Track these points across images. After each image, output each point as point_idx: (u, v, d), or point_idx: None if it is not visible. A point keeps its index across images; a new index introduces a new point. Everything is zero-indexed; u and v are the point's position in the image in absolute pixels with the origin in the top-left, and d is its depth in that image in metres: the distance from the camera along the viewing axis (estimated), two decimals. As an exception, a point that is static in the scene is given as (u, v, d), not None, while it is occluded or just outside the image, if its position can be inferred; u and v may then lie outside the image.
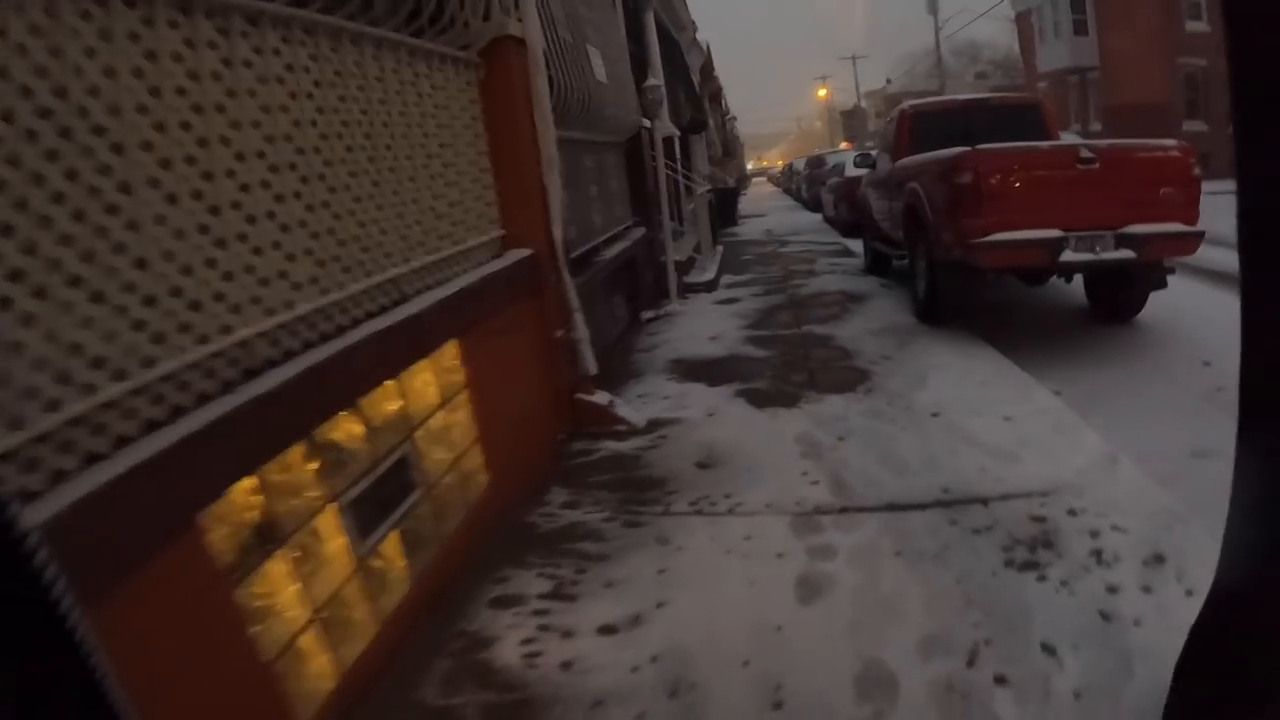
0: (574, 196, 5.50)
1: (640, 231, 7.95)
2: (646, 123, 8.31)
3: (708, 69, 21.82)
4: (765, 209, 26.85)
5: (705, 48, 21.10)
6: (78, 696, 0.51)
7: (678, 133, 12.12)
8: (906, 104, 8.41)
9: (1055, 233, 5.61)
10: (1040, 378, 5.07)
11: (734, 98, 50.71)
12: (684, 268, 9.21)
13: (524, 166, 4.28)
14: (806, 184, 24.93)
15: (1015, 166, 5.67)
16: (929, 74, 72.00)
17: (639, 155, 8.20)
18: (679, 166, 11.78)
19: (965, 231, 5.64)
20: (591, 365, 4.64)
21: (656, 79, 8.94)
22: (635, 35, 10.52)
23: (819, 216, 20.37)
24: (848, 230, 15.12)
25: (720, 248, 12.86)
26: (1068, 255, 5.64)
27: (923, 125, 7.95)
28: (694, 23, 17.82)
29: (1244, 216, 1.40)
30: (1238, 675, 1.55)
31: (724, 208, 19.70)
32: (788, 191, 37.21)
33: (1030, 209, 5.65)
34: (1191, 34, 23.81)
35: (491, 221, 4.09)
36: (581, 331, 4.56)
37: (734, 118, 51.05)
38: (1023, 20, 32.81)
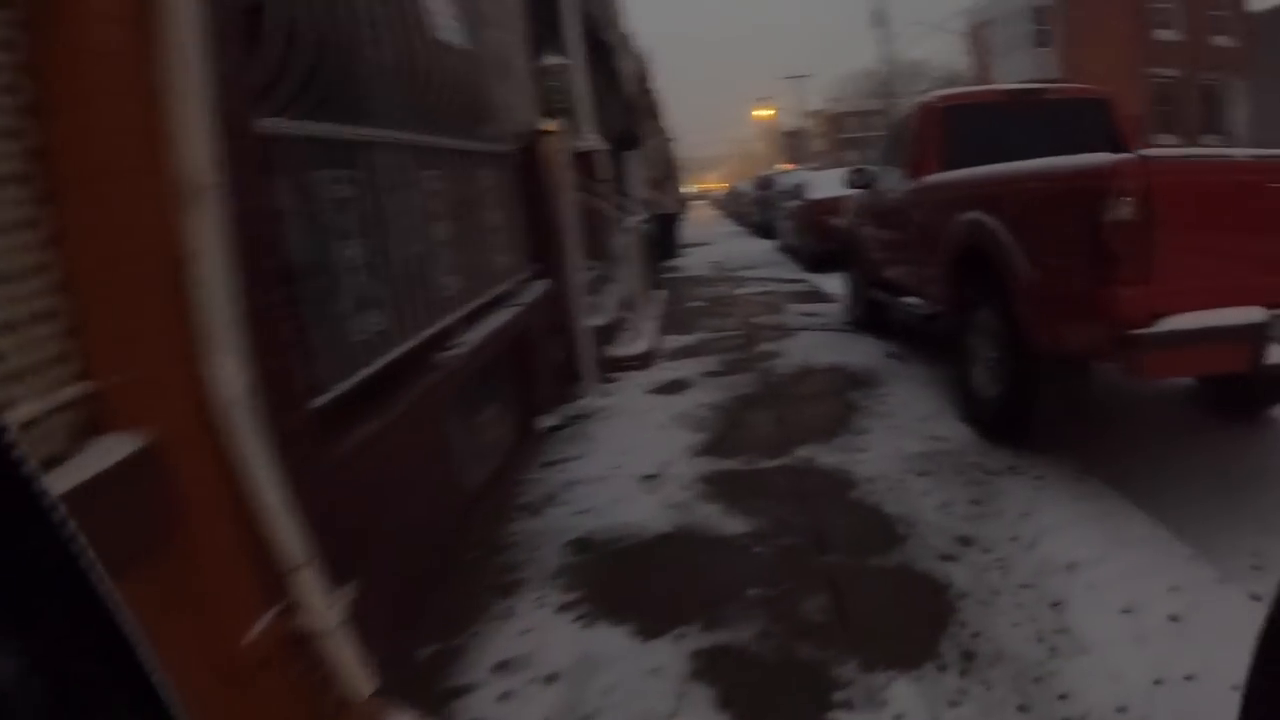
0: (377, 247, 2.79)
1: (540, 287, 5.26)
2: (548, 124, 5.63)
3: (644, 80, 19.32)
4: (711, 236, 24.36)
5: (643, 56, 18.59)
6: (109, 666, 0.50)
7: (605, 146, 9.52)
8: (932, 96, 5.86)
9: (1259, 314, 3.09)
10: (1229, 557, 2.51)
11: (673, 121, 48.83)
12: (609, 332, 6.54)
13: (133, 193, 1.59)
14: (757, 208, 22.56)
15: (1211, 192, 3.12)
16: (871, 93, 71.59)
17: (537, 174, 5.52)
18: (608, 190, 9.15)
19: (1117, 313, 3.04)
20: (364, 687, 1.91)
21: (567, 60, 6.31)
22: (547, 20, 7.91)
23: (772, 244, 17.93)
24: (816, 264, 12.66)
25: (661, 292, 10.14)
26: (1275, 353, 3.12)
27: (960, 126, 5.40)
28: (628, 33, 15.37)
29: None
30: None
31: (664, 237, 17.15)
32: (732, 216, 34.94)
33: (1223, 270, 3.12)
34: (1162, 43, 22.21)
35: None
36: (330, 618, 1.83)
37: (673, 139, 49.01)
38: (978, 33, 31.23)
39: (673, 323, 8.47)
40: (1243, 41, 22.83)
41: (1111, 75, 23.12)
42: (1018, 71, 28.15)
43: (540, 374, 5.14)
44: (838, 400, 5.18)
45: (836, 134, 72.97)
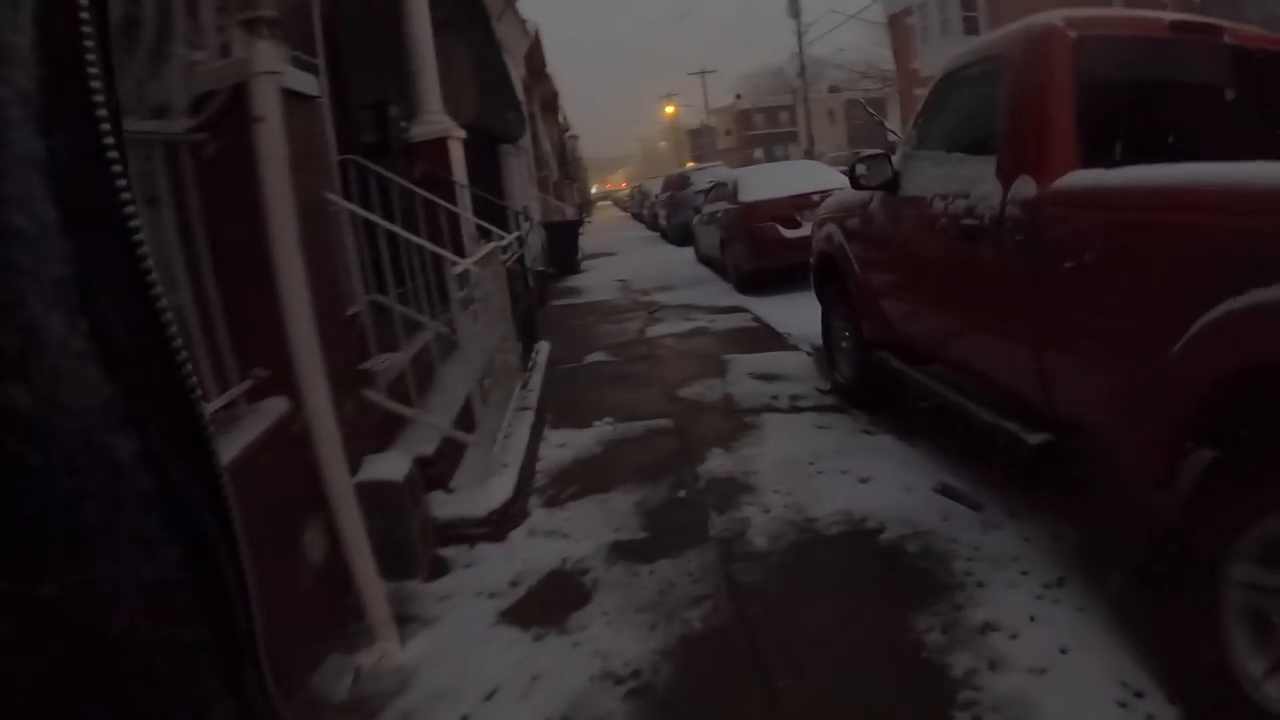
0: None
1: (260, 420, 2.35)
2: (263, 65, 2.63)
3: (536, 61, 16.32)
4: (617, 242, 21.41)
5: (533, 33, 15.57)
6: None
7: (462, 135, 6.58)
8: (1048, 20, 3.03)
9: None
10: None
11: (575, 119, 45.95)
12: (442, 467, 3.55)
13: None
14: (667, 210, 19.79)
15: None
16: (778, 89, 69.99)
17: (249, 181, 2.55)
18: (460, 194, 6.20)
19: None
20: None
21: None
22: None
23: (687, 253, 15.19)
24: (750, 283, 9.97)
25: (539, 356, 6.69)
26: None
27: (1109, 78, 2.68)
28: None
29: None
30: None
31: (561, 250, 14.22)
32: (638, 218, 32.18)
33: None
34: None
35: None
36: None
37: (575, 136, 46.03)
38: (898, 21, 29.33)
39: (559, 404, 5.55)
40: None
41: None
42: (939, 62, 26.24)
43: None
44: (895, 649, 2.37)
45: (744, 131, 71.34)
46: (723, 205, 11.11)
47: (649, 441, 4.61)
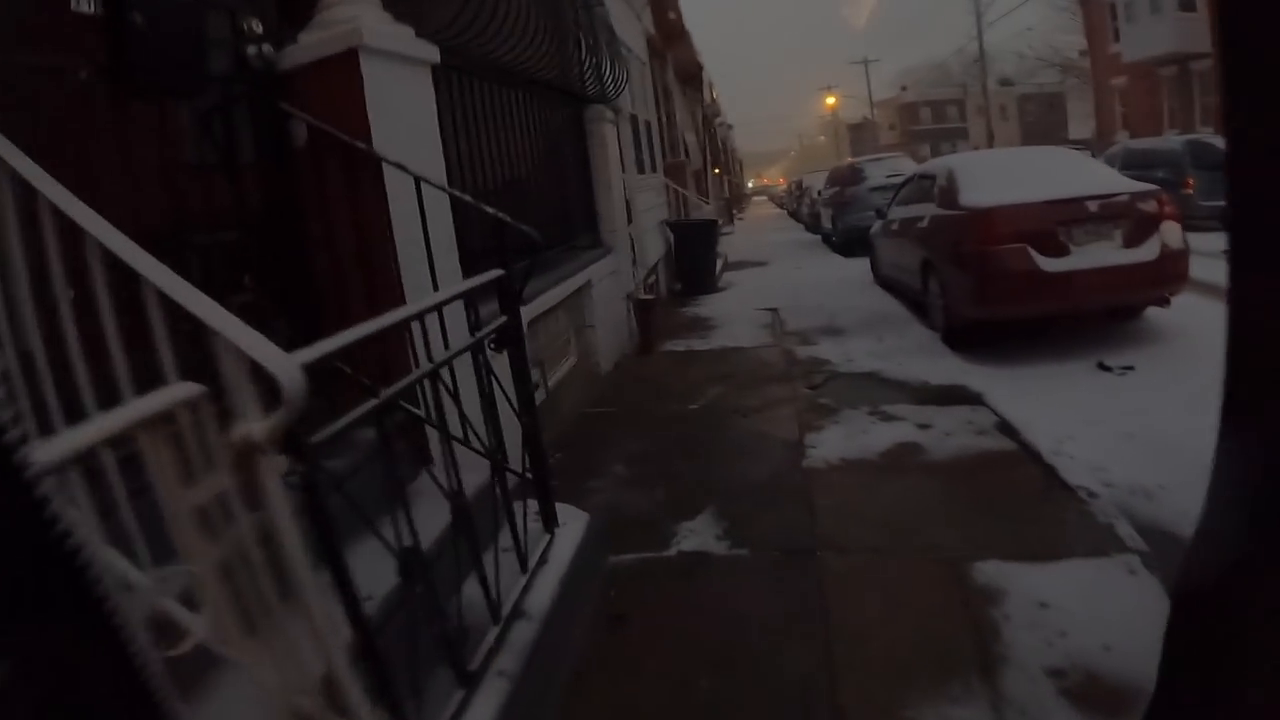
0: None
1: None
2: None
3: (669, 13, 12.69)
4: (768, 248, 17.44)
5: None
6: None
7: (407, 48, 3.11)
8: None
9: None
10: None
11: (729, 110, 42.46)
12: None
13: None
14: (833, 211, 15.74)
15: None
16: (943, 82, 63.22)
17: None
18: (394, 185, 2.69)
19: None
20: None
21: None
22: None
23: (859, 268, 11.19)
24: (969, 336, 6.15)
25: (554, 552, 3.65)
26: None
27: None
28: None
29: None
30: (1219, 669, 1.50)
31: (691, 259, 10.63)
32: (795, 216, 28.11)
33: None
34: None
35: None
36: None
37: (729, 125, 42.26)
38: (1093, 1, 24.21)
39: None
40: None
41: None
42: (1149, 44, 21.05)
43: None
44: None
45: (908, 126, 65.13)
46: (928, 210, 7.14)
47: None
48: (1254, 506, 1.47)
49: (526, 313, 4.07)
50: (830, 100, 69.28)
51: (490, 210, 2.63)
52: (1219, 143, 13.31)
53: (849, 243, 13.72)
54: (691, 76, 18.04)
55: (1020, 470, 3.90)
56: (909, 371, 5.76)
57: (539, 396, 4.71)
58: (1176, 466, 3.81)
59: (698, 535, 3.37)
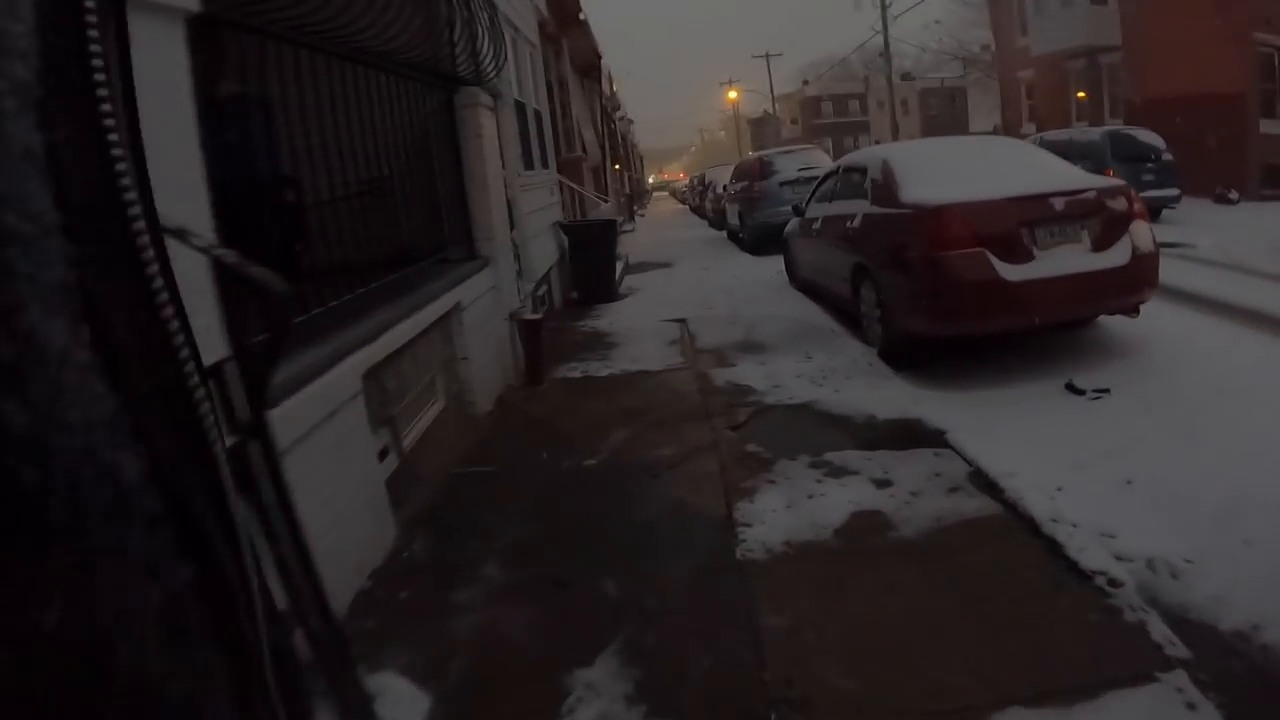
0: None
1: None
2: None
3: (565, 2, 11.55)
4: (673, 246, 16.39)
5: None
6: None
7: None
8: None
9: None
10: None
11: (631, 108, 41.83)
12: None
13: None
14: (741, 207, 14.82)
15: None
16: (845, 76, 63.91)
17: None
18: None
19: None
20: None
21: None
22: None
23: (771, 268, 10.35)
24: (912, 353, 5.32)
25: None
26: None
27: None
28: None
29: None
30: None
31: (589, 264, 9.57)
32: (697, 212, 27.51)
33: None
34: (1278, -1, 15.11)
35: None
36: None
37: (630, 120, 41.45)
38: (1000, -7, 24.48)
39: None
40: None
41: (1201, 43, 15.99)
42: (1059, 37, 21.20)
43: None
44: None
45: (810, 120, 65.56)
46: (858, 207, 6.24)
47: None
48: None
49: (352, 368, 2.93)
50: (732, 95, 69.14)
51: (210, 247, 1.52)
52: (1139, 134, 13.06)
53: (759, 241, 12.89)
54: (590, 67, 16.95)
55: (1016, 547, 3.02)
56: (850, 402, 4.84)
57: (390, 463, 3.57)
58: (1194, 524, 3.05)
59: (600, 699, 2.30)
